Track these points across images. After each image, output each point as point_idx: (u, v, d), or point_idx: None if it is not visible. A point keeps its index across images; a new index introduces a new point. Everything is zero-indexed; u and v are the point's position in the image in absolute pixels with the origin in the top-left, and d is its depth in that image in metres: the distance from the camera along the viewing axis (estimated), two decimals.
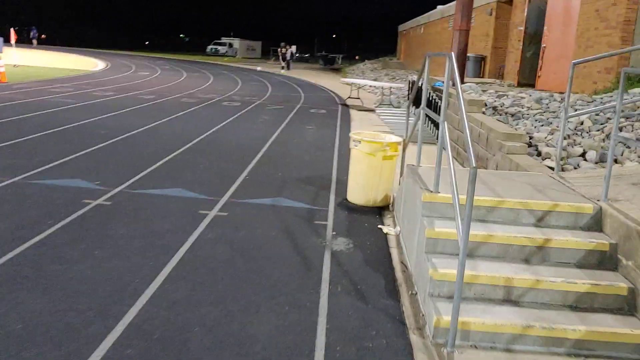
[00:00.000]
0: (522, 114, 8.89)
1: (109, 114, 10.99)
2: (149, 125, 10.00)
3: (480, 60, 19.88)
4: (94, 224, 4.71)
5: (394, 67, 40.41)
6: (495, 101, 10.32)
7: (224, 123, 10.98)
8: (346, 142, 9.75)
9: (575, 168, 5.94)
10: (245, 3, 78.72)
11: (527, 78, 13.93)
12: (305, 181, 6.78)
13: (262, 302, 3.53)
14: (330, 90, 21.23)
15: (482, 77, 19.54)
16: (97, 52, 45.50)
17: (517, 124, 8.27)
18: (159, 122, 10.52)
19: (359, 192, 5.97)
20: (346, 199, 6.10)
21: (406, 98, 15.48)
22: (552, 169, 5.80)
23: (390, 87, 15.45)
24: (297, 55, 57.43)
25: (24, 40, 50.99)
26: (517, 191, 4.33)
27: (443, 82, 12.52)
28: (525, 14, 14.06)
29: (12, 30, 22.40)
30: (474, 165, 2.99)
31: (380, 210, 5.86)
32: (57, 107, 11.52)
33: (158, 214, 5.09)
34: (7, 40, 22.58)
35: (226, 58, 50.94)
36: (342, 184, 6.55)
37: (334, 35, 78.57)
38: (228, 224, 4.95)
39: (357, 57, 64.39)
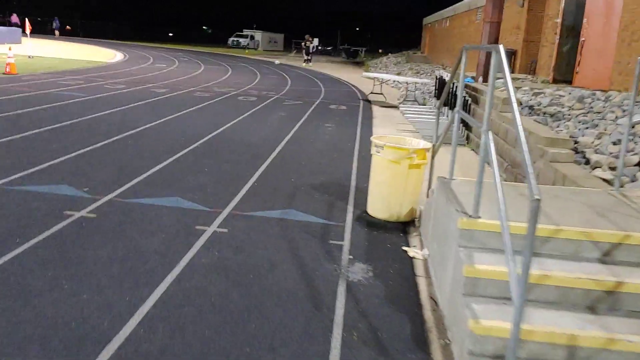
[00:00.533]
0: (563, 115, 8.03)
1: (115, 109, 10.37)
2: (156, 122, 9.34)
3: (511, 54, 18.87)
4: (70, 243, 4.04)
5: (418, 61, 39.38)
6: (531, 99, 9.46)
7: (237, 120, 10.28)
8: (367, 142, 8.99)
9: (632, 181, 5.11)
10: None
11: (564, 74, 12.97)
12: (321, 189, 6.04)
13: (258, 356, 2.81)
14: (352, 85, 20.43)
15: (513, 72, 18.55)
16: (118, 43, 45.19)
17: (557, 126, 7.42)
18: (168, 118, 9.86)
19: (381, 205, 5.22)
20: (366, 212, 5.35)
21: (432, 95, 14.63)
22: (607, 182, 4.97)
23: (415, 83, 14.59)
24: (320, 48, 56.62)
25: (46, 31, 51.04)
26: (575, 215, 3.54)
27: (473, 77, 11.63)
28: (563, 5, 13.09)
29: (26, 20, 21.93)
30: (537, 196, 2.22)
31: (405, 226, 5.11)
32: (63, 100, 10.93)
33: (147, 230, 4.40)
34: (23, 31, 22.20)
35: (247, 51, 50.32)
36: (362, 193, 5.81)
37: (357, 28, 77.44)
38: (227, 245, 4.24)
39: (380, 51, 63.29)
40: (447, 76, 10.43)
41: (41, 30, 53.81)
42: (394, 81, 16.72)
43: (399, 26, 76.92)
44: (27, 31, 21.38)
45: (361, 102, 14.99)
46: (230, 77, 20.30)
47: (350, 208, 5.47)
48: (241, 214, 5.01)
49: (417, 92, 15.07)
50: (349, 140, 9.10)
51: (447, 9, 35.39)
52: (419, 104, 14.09)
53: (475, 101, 9.62)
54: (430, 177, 5.29)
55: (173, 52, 36.40)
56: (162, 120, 9.57)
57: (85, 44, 38.98)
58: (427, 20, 45.96)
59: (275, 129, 9.60)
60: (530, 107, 8.78)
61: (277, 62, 30.78)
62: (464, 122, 9.66)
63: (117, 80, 15.68)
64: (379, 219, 5.20)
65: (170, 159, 6.79)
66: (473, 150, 9.07)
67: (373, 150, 5.23)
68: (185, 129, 8.89)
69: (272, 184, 6.10)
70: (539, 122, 7.55)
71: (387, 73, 27.61)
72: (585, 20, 11.98)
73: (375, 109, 13.64)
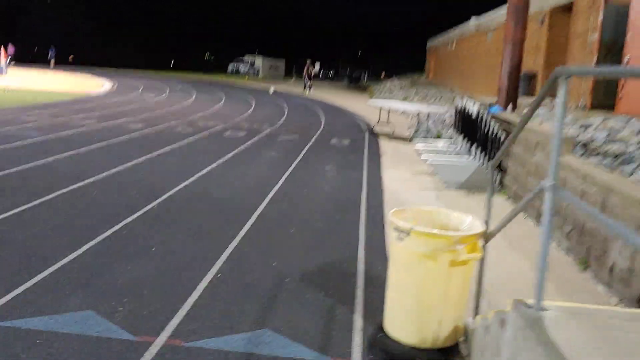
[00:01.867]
0: (634, 157, 6.11)
1: (69, 152, 8.53)
2: (113, 170, 7.48)
3: (530, 77, 17.09)
4: None
5: (424, 84, 37.73)
6: (579, 134, 7.58)
7: (216, 163, 8.41)
8: (376, 192, 7.09)
9: None
10: (270, 21, 77.03)
11: (602, 99, 11.16)
12: (315, 282, 4.12)
13: None
14: (355, 114, 18.63)
15: (533, 96, 16.76)
16: (114, 72, 43.78)
17: (632, 173, 5.52)
18: (130, 163, 8.00)
19: (406, 322, 3.30)
20: (383, 331, 3.42)
21: (449, 126, 12.76)
22: None
23: (429, 113, 12.74)
24: (322, 72, 55.18)
25: (44, 61, 49.81)
26: None
27: (497, 105, 9.73)
28: (600, 18, 11.30)
29: (2, 48, 20.34)
30: None
31: (446, 355, 3.18)
32: (9, 142, 9.11)
33: None
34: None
35: (247, 77, 48.86)
36: (375, 287, 3.92)
37: (359, 51, 76.29)
38: None
39: (383, 75, 61.89)
40: (473, 107, 8.55)
41: (39, 59, 52.65)
42: (405, 112, 14.82)
43: (401, 49, 75.63)
44: (2, 61, 19.73)
45: (366, 134, 13.15)
46: (221, 107, 18.53)
47: (357, 322, 3.54)
48: (184, 345, 3.10)
49: (429, 122, 13.20)
50: (354, 190, 7.20)
51: (453, 31, 33.83)
52: (433, 137, 12.23)
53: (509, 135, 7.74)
54: (480, 275, 3.38)
55: (169, 81, 34.85)
56: (120, 167, 7.70)
57: (80, 73, 37.51)
58: (432, 43, 44.51)
59: (261, 176, 7.72)
60: (584, 146, 6.89)
61: (271, 91, 28.64)
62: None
63: (90, 114, 13.90)
64: (405, 345, 3.27)
65: (107, 232, 4.89)
66: (510, 199, 7.15)
67: (392, 234, 3.32)
68: (146, 180, 7.01)
69: (243, 274, 4.18)
70: (602, 168, 5.64)
71: (392, 99, 25.89)
72: (629, 34, 10.17)
73: (383, 142, 11.78)
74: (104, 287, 3.78)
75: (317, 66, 40.75)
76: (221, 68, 60.44)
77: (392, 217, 3.33)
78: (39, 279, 3.85)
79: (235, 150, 9.70)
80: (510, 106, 10.30)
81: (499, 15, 22.88)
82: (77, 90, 22.13)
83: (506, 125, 8.01)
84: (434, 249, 3.12)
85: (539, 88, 16.98)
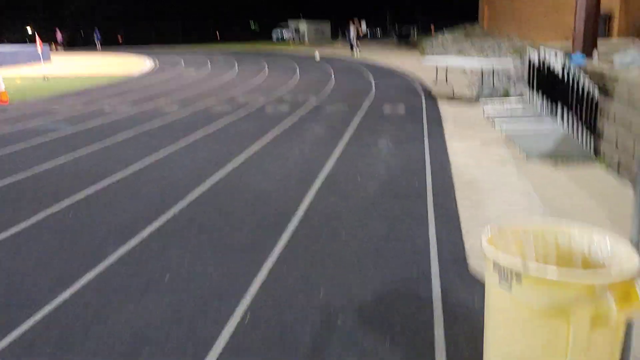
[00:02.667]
0: None
1: (92, 147, 7.68)
2: (137, 165, 6.56)
3: (605, 19, 15.11)
4: None
5: (479, 35, 35.37)
6: None
7: (254, 148, 7.37)
8: (443, 173, 5.87)
9: None
10: None
11: None
12: (375, 318, 3.04)
13: None
14: (408, 74, 17.14)
15: (609, 37, 14.85)
16: (159, 49, 43.35)
17: None
18: (157, 155, 7.08)
19: None
20: None
21: (523, 82, 11.23)
22: None
23: (493, 69, 11.20)
24: (368, 30, 53.08)
25: (90, 44, 50.13)
26: None
27: (579, 53, 8.23)
28: None
29: (36, 35, 19.86)
30: None
31: None
32: (35, 136, 8.36)
33: None
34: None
35: (292, 44, 47.47)
36: (460, 320, 2.79)
37: (406, 6, 73.12)
38: None
39: (432, 27, 59.01)
40: (555, 59, 7.09)
41: (85, 43, 53.02)
42: (468, 69, 13.21)
43: None
44: (38, 48, 19.27)
45: (423, 97, 11.78)
46: (264, 79, 17.44)
47: None
48: None
49: (494, 78, 11.67)
50: (416, 172, 6.01)
51: None
52: (499, 96, 10.76)
53: (605, 92, 6.29)
54: (629, 334, 2.19)
55: (213, 54, 34.02)
56: (145, 161, 6.78)
57: (126, 53, 37.21)
58: None
59: (306, 160, 6.63)
60: None
61: (317, 57, 27.04)
62: (584, 123, 6.36)
63: (125, 97, 13.12)
64: None
65: (112, 257, 3.94)
66: (611, 169, 5.77)
67: (491, 276, 2.16)
68: (170, 177, 6.05)
69: (279, 312, 3.13)
70: None
71: (446, 54, 24.07)
72: None
73: (443, 106, 10.42)
74: (96, 348, 2.81)
75: (364, 25, 38.87)
76: (267, 36, 59.19)
77: (488, 249, 2.16)
78: (10, 340, 2.92)
79: (277, 129, 8.62)
80: (595, 54, 8.73)
81: None
82: (119, 72, 21.54)
83: (598, 78, 6.54)
84: (564, 302, 1.94)
85: (616, 29, 15.02)
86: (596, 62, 7.71)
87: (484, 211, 4.72)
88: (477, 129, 8.22)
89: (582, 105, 6.36)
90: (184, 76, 19.10)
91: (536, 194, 5.11)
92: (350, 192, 5.32)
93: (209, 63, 25.81)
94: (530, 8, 25.17)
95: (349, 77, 17.00)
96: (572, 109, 6.60)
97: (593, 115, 6.26)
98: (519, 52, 17.02)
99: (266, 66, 22.57)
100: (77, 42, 57.75)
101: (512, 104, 8.53)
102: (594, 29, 11.01)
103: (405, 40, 45.90)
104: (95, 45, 46.55)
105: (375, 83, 14.83)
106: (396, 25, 53.51)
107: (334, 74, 18.11)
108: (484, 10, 42.52)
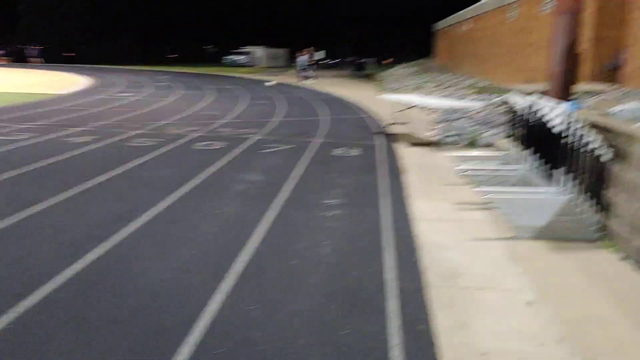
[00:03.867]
0: None
1: None
2: None
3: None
4: None
5: (435, 70, 34.74)
6: None
7: (161, 206, 5.61)
8: (408, 255, 4.25)
9: None
10: (272, 11, 73.97)
11: None
12: None
13: None
14: (363, 109, 15.74)
15: (581, 82, 13.86)
16: (108, 69, 40.99)
17: None
18: (26, 213, 5.23)
19: None
20: None
21: (502, 132, 9.89)
22: None
23: (463, 108, 9.83)
24: (328, 61, 52.17)
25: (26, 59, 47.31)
26: None
27: (574, 101, 6.89)
28: None
29: None
30: None
31: None
32: None
33: None
34: None
35: (243, 69, 45.92)
36: None
37: (363, 38, 73.01)
38: None
39: (387, 61, 58.75)
40: (550, 110, 5.61)
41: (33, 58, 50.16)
42: (428, 107, 11.73)
43: (406, 32, 72.27)
44: None
45: (379, 138, 10.30)
46: (205, 106, 15.70)
47: None
48: None
49: (460, 120, 10.32)
50: (371, 253, 4.40)
51: (466, 10, 30.77)
52: (466, 141, 9.37)
53: (617, 153, 4.85)
54: None
55: (162, 75, 32.03)
56: (6, 222, 4.92)
57: (67, 71, 34.74)
58: (440, 24, 41.38)
59: (225, 231, 4.92)
60: None
61: (268, 83, 25.20)
62: (588, 192, 4.91)
63: (35, 123, 11.14)
64: None
65: None
66: (626, 256, 4.29)
67: None
68: (30, 254, 4.23)
69: None
70: None
71: (403, 88, 22.91)
72: None
73: (404, 151, 8.95)
74: None
75: (321, 54, 37.70)
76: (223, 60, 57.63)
77: None
78: None
79: (200, 177, 6.89)
80: (588, 103, 7.45)
81: None
82: (47, 90, 19.39)
83: (605, 135, 5.12)
84: None
85: (583, 69, 14.04)
86: (597, 112, 6.34)
87: (474, 337, 3.13)
88: (446, 184, 6.72)
89: (586, 168, 4.92)
90: (118, 99, 17.14)
91: (543, 302, 3.57)
92: (280, 295, 3.64)
93: (154, 85, 23.88)
94: (491, 48, 24.44)
95: (300, 109, 15.44)
96: (572, 172, 5.16)
97: (600, 183, 4.83)
98: (484, 92, 15.90)
99: (213, 91, 20.83)
100: (19, 57, 54.76)
101: (489, 157, 7.07)
102: (572, 70, 9.78)
103: (360, 71, 45.09)
104: (34, 60, 43.82)
105: (327, 119, 13.30)
106: (353, 56, 52.77)
107: (285, 104, 16.53)
108: (440, 47, 42.18)
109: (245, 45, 58.60)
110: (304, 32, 70.39)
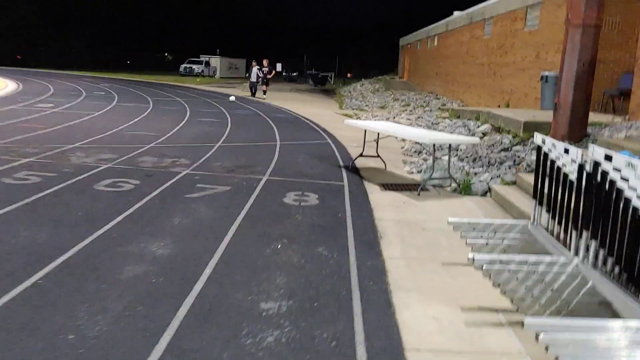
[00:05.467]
0: None
1: None
2: None
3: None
4: None
5: (400, 87, 33.04)
6: None
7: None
8: None
9: None
10: (232, 21, 71.74)
11: None
12: None
13: None
14: (324, 130, 13.57)
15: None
16: (46, 73, 37.81)
17: None
18: None
19: None
20: None
21: (481, 163, 7.83)
22: None
23: (450, 145, 7.68)
24: (286, 73, 50.07)
25: None
26: None
27: (628, 152, 4.78)
28: None
29: None
30: None
31: None
32: None
33: None
34: None
35: (199, 79, 43.30)
36: None
37: (325, 51, 71.25)
38: None
39: (349, 75, 57.09)
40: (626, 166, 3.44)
41: None
42: (405, 138, 9.43)
43: (370, 47, 70.97)
44: None
45: (344, 176, 8.09)
46: (137, 122, 13.24)
47: None
48: None
49: (445, 156, 8.20)
50: None
51: (433, 25, 29.15)
52: (456, 183, 7.26)
53: None
54: None
55: (101, 83, 29.21)
56: None
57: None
58: (406, 40, 39.83)
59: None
60: None
61: (231, 98, 22.43)
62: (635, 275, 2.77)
63: None
64: None
65: None
66: None
67: None
68: None
69: None
70: None
71: (368, 104, 20.89)
72: None
73: (377, 200, 6.75)
74: None
75: (278, 66, 35.51)
76: (178, 68, 54.85)
77: None
78: None
79: (73, 249, 4.49)
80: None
81: (499, 2, 18.16)
82: None
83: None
84: None
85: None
86: None
87: None
88: (445, 263, 4.56)
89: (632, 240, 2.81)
90: (31, 111, 14.48)
91: None
92: None
93: (88, 94, 21.17)
94: (461, 67, 22.69)
95: (249, 130, 13.13)
96: (609, 245, 3.04)
97: None
98: (459, 115, 13.94)
99: (151, 105, 18.31)
100: None
101: (502, 226, 4.87)
102: (586, 100, 7.87)
103: (321, 86, 43.08)
104: None
105: (280, 144, 11.03)
106: (313, 69, 50.77)
107: (230, 124, 14.19)
108: (405, 62, 40.59)
109: (203, 54, 56.00)
110: (264, 42, 68.35)
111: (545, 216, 4.49)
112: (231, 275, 4.08)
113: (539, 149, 4.58)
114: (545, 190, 4.50)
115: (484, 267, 3.62)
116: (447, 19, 26.11)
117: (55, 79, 31.07)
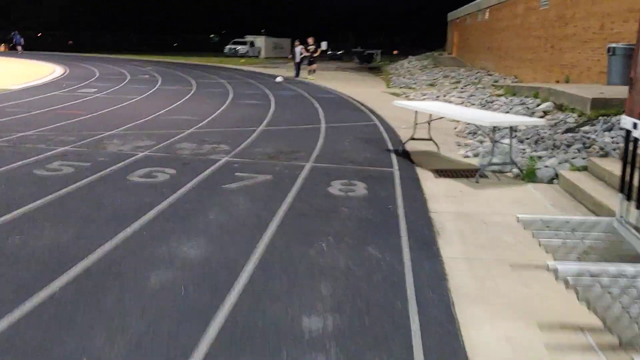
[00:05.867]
0: None
1: None
2: None
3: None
4: None
5: (449, 63, 31.82)
6: None
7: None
8: None
9: None
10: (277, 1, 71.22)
11: None
12: None
13: None
14: (372, 111, 12.93)
15: None
16: (94, 57, 38.31)
17: None
18: None
19: None
20: None
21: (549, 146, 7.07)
22: None
23: (511, 127, 6.95)
24: (330, 52, 49.21)
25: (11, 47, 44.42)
26: None
27: None
28: None
29: None
30: None
31: None
32: None
33: None
34: None
35: (243, 60, 43.01)
36: None
37: (370, 28, 69.86)
38: None
39: (395, 52, 55.63)
40: None
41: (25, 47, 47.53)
42: (461, 119, 8.59)
43: (416, 23, 69.13)
44: None
45: (394, 162, 7.49)
46: (178, 106, 12.93)
47: None
48: None
49: (512, 140, 7.47)
50: None
51: None
52: (520, 170, 6.55)
53: None
54: None
55: (147, 66, 29.26)
56: None
57: (43, 60, 32.00)
58: (455, 14, 38.35)
59: None
60: None
61: (277, 79, 21.79)
62: None
63: None
64: None
65: None
66: None
67: None
68: None
69: None
70: None
71: (416, 82, 20.07)
72: None
73: (432, 190, 6.14)
74: None
75: (324, 44, 34.67)
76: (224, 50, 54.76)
77: None
78: None
79: (96, 253, 4.10)
80: None
81: None
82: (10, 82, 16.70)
83: None
84: None
85: None
86: None
87: None
88: (514, 265, 3.95)
89: None
90: (73, 96, 14.37)
91: None
92: None
93: (128, 77, 21.10)
94: (515, 41, 21.47)
95: (292, 112, 12.63)
96: None
97: None
98: (516, 93, 13.03)
99: (194, 86, 18.02)
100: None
101: (581, 223, 4.17)
102: None
103: (367, 63, 42.10)
104: (15, 48, 41.02)
105: (325, 127, 10.49)
106: (359, 47, 49.68)
107: (274, 105, 13.71)
108: (453, 37, 39.16)
109: (248, 34, 55.66)
110: (309, 21, 67.49)
111: (635, 213, 3.81)
112: (270, 284, 3.59)
113: (628, 133, 3.87)
114: (636, 183, 3.82)
115: (569, 281, 3.00)
116: None
117: (103, 63, 31.33)
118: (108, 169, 6.50)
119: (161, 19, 67.86)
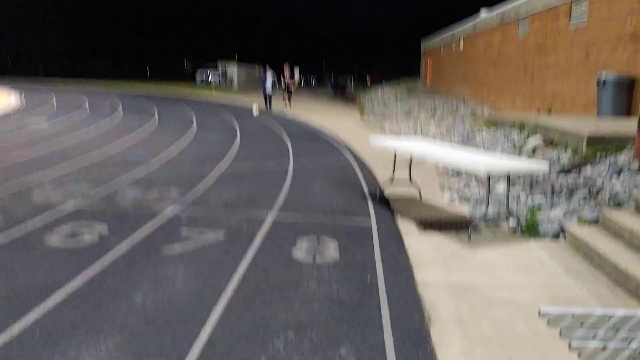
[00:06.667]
0: None
1: None
2: None
3: (628, 84, 10.55)
4: None
5: (424, 93, 31.23)
6: None
7: None
8: None
9: None
10: (250, 26, 70.75)
11: None
12: None
13: None
14: (345, 146, 11.93)
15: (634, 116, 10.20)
16: (63, 84, 36.86)
17: None
18: None
19: None
20: None
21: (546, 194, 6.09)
22: None
23: (508, 175, 5.94)
24: (301, 78, 48.43)
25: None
26: None
27: None
28: None
29: None
30: None
31: None
32: None
33: None
34: None
35: (213, 89, 41.85)
36: None
37: (343, 55, 69.61)
38: None
39: (369, 82, 55.12)
40: None
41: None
42: (449, 164, 7.48)
43: (389, 50, 69.11)
44: None
45: (371, 208, 6.44)
46: (130, 142, 11.75)
47: None
48: None
49: (507, 187, 6.46)
50: None
51: (459, 27, 27.36)
52: (520, 225, 5.55)
53: None
54: None
55: (112, 95, 27.98)
56: None
57: (12, 87, 30.54)
58: (428, 42, 38.02)
59: None
60: None
61: (255, 112, 20.20)
62: None
63: None
64: None
65: None
66: None
67: None
68: None
69: None
70: None
71: (391, 113, 19.18)
72: None
73: (416, 246, 5.09)
74: None
75: (296, 73, 33.74)
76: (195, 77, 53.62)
77: None
78: None
79: None
80: None
81: None
82: None
83: None
84: None
85: None
86: None
87: None
88: None
89: None
90: (19, 131, 13.11)
91: None
92: None
93: (88, 107, 19.87)
94: (492, 69, 20.88)
95: (258, 149, 11.54)
96: None
97: None
98: (499, 125, 12.20)
99: (157, 119, 16.86)
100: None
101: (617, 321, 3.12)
102: None
103: (341, 92, 41.41)
104: None
105: (293, 166, 9.41)
106: (331, 74, 49.04)
107: (239, 142, 12.61)
108: (427, 65, 38.75)
109: (219, 59, 54.40)
110: (281, 47, 66.99)
111: None
112: None
113: None
114: None
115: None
116: (474, 21, 24.31)
117: (64, 91, 29.94)
118: (25, 230, 5.30)
119: (133, 47, 66.83)
